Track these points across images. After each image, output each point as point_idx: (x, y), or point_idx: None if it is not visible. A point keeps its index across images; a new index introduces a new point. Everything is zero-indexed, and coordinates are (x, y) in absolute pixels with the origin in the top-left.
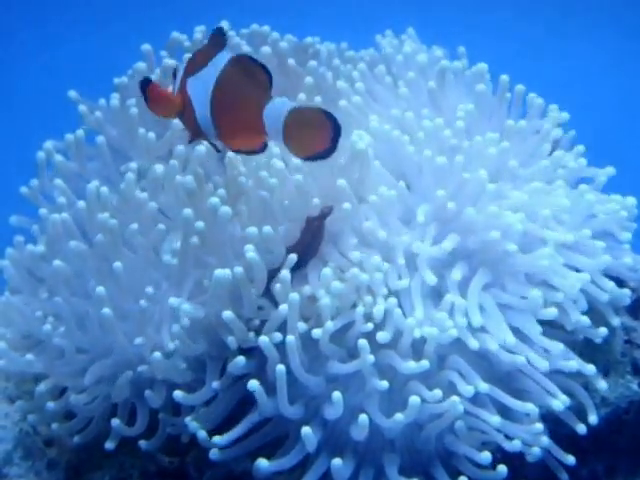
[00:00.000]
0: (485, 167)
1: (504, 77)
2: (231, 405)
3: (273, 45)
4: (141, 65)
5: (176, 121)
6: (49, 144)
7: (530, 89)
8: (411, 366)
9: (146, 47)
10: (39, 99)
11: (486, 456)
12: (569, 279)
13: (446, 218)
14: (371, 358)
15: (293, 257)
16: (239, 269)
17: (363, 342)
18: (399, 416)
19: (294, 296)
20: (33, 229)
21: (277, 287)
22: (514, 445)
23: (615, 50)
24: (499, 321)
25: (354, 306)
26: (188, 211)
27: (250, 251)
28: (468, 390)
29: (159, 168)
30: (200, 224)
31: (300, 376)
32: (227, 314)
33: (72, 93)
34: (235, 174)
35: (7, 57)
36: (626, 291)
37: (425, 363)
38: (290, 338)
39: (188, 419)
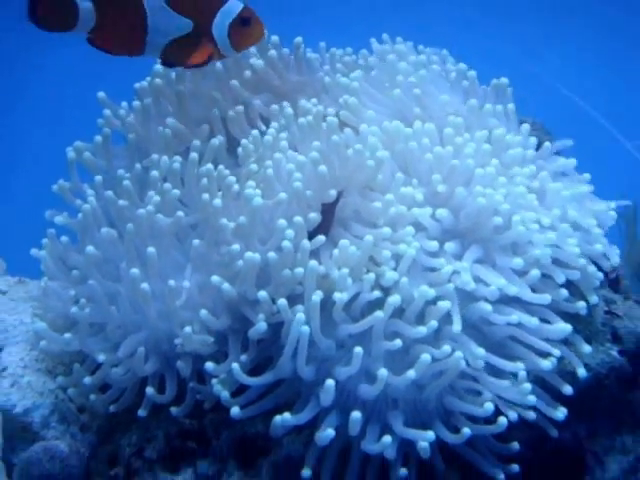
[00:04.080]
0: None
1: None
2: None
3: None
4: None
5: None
6: (78, 143)
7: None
8: (419, 330)
9: None
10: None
11: (488, 407)
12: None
13: (441, 199)
14: (380, 314)
15: (320, 238)
16: (272, 254)
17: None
18: (410, 372)
19: (313, 263)
20: (64, 222)
21: (297, 255)
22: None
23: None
24: (491, 280)
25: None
26: (218, 201)
27: (287, 240)
28: (474, 353)
29: (177, 161)
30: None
31: (316, 336)
32: (262, 294)
33: (101, 94)
34: (256, 168)
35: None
36: (601, 272)
37: (434, 323)
38: (315, 298)
39: (214, 381)
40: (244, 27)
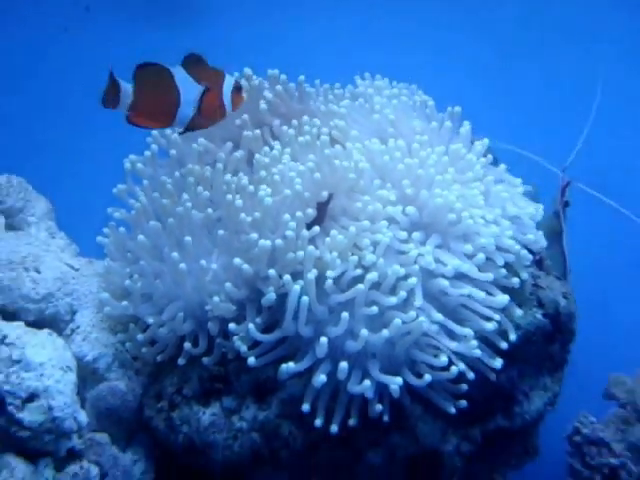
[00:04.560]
0: (434, 169)
1: (456, 108)
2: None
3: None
4: None
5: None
6: (132, 156)
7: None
8: (392, 300)
9: None
10: None
11: (444, 359)
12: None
13: (409, 199)
14: (362, 287)
15: (315, 228)
16: (279, 241)
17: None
18: (385, 332)
19: (311, 248)
20: (121, 217)
21: (298, 242)
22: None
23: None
24: (448, 261)
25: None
26: (238, 201)
27: (290, 230)
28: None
29: (207, 170)
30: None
31: (312, 304)
32: (272, 272)
33: None
34: (267, 175)
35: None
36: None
37: (403, 294)
38: (311, 275)
39: (235, 338)
40: (237, 93)
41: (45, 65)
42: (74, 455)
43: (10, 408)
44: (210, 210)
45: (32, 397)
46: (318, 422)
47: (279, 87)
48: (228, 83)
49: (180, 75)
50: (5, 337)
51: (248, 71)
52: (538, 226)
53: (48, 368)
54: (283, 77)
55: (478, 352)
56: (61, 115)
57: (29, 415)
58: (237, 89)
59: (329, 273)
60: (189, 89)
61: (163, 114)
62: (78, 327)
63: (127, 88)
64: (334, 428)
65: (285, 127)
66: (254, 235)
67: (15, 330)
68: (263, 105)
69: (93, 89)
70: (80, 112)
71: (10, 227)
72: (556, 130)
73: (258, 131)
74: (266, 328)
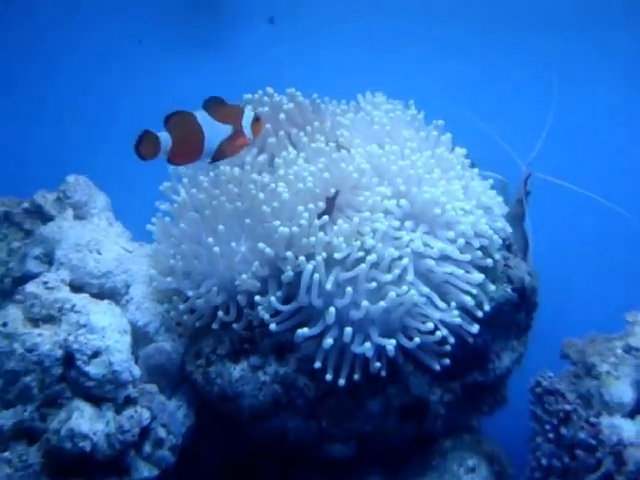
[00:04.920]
0: (422, 169)
1: (440, 122)
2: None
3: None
4: None
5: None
6: None
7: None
8: (388, 277)
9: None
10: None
11: (430, 325)
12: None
13: (402, 194)
14: (363, 266)
15: (325, 217)
16: (295, 228)
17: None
18: (382, 303)
19: (321, 234)
20: (166, 209)
21: (310, 230)
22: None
23: None
24: (434, 245)
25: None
26: (261, 195)
27: (304, 219)
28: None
29: (236, 170)
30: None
31: (322, 280)
32: (289, 254)
33: None
34: (285, 174)
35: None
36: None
37: (397, 272)
38: (320, 257)
39: (260, 308)
40: (257, 123)
41: (102, 84)
42: (130, 401)
43: (79, 363)
44: (239, 203)
45: (96, 354)
46: (328, 376)
47: (290, 105)
48: (247, 116)
49: (202, 116)
50: (74, 306)
51: (270, 90)
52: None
53: (109, 331)
54: (298, 93)
55: (458, 320)
56: (119, 128)
57: (94, 369)
58: (256, 120)
59: (336, 255)
60: (211, 127)
61: (194, 151)
62: (132, 298)
63: (165, 137)
64: (341, 381)
65: (302, 133)
66: (275, 223)
67: (82, 300)
68: (282, 116)
69: (139, 106)
70: (131, 127)
71: (77, 217)
72: (520, 128)
73: (275, 139)
74: (285, 300)
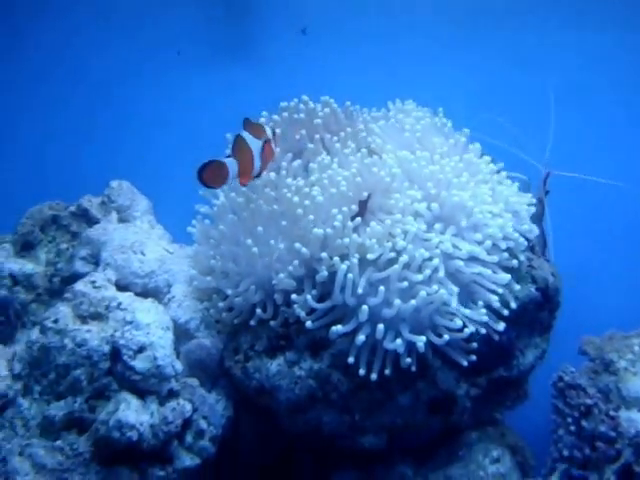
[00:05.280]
0: (452, 173)
1: (467, 130)
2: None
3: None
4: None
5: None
6: None
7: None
8: (418, 277)
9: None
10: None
11: (459, 323)
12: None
13: (432, 198)
14: (396, 267)
15: (358, 219)
16: (329, 230)
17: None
18: (413, 302)
19: (354, 236)
20: (206, 212)
21: (344, 231)
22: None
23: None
24: (462, 246)
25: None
26: (296, 198)
27: (338, 222)
28: (446, 292)
29: (272, 175)
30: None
31: (356, 279)
32: (324, 254)
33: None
34: (319, 178)
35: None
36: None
37: (427, 272)
38: (354, 258)
39: (296, 306)
40: (274, 137)
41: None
42: (172, 394)
43: (125, 357)
44: (275, 206)
45: (141, 349)
46: (361, 371)
47: (326, 111)
48: (269, 131)
49: (247, 137)
50: (120, 304)
51: (305, 97)
52: None
53: (153, 328)
54: (332, 100)
55: (485, 318)
56: (160, 135)
57: (139, 363)
58: (273, 134)
59: (369, 256)
60: (256, 146)
61: (250, 168)
62: (173, 297)
63: (231, 163)
64: (373, 376)
65: (335, 139)
66: (309, 225)
67: (127, 298)
68: (317, 121)
69: (178, 112)
70: (172, 134)
71: (121, 220)
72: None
73: (309, 145)
74: (320, 298)
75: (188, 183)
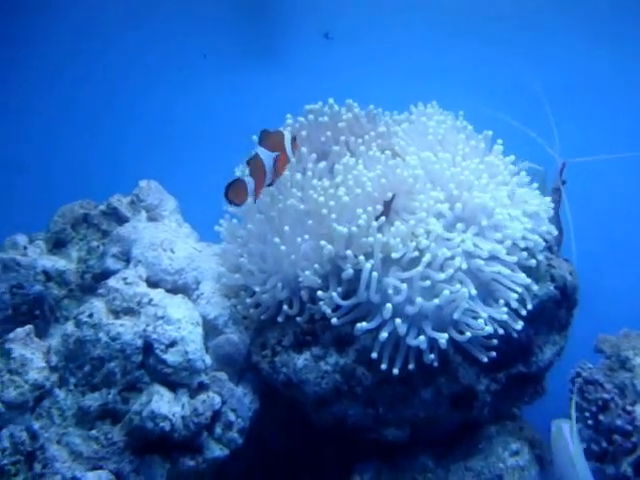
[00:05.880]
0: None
1: (489, 132)
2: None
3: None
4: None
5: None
6: (241, 166)
7: None
8: (441, 276)
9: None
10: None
11: (480, 321)
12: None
13: (454, 199)
14: (420, 269)
15: (382, 219)
16: (354, 229)
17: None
18: (435, 300)
19: (379, 235)
20: (234, 211)
21: (369, 230)
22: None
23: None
24: (483, 246)
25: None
26: (322, 199)
27: (362, 220)
28: (468, 290)
29: (299, 176)
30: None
31: (380, 277)
32: (349, 252)
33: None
34: (344, 179)
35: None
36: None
37: (450, 271)
38: (378, 256)
39: (321, 303)
40: (294, 141)
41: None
42: (202, 387)
43: (157, 351)
44: (301, 206)
45: (173, 344)
46: (383, 366)
47: (348, 115)
48: (287, 139)
49: (262, 152)
50: (151, 300)
51: (331, 100)
52: None
53: (183, 323)
54: (355, 104)
55: (505, 316)
56: (187, 137)
57: (171, 357)
58: (293, 139)
59: (393, 255)
60: (268, 159)
61: (262, 185)
62: (202, 294)
63: (250, 180)
64: (395, 371)
65: (360, 141)
66: (333, 224)
67: (158, 295)
68: (342, 124)
69: (204, 114)
70: (198, 135)
71: (150, 219)
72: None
73: (334, 147)
74: (345, 295)
75: (212, 182)
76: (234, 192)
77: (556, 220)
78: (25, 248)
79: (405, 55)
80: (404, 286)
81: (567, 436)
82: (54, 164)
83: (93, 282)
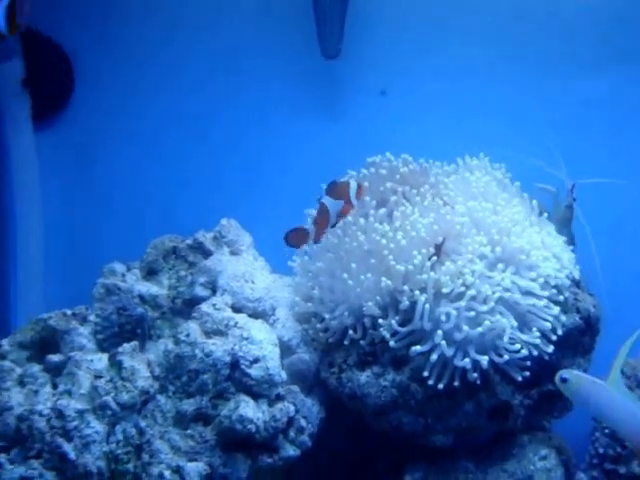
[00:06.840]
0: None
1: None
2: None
3: (406, 163)
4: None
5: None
6: (311, 210)
7: None
8: (483, 308)
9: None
10: None
11: (517, 346)
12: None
13: (495, 242)
14: (463, 303)
15: (434, 259)
16: (410, 267)
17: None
18: (479, 328)
19: (432, 273)
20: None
21: (423, 269)
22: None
23: None
24: (520, 283)
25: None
26: (383, 241)
27: (417, 260)
28: (508, 321)
29: (362, 220)
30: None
31: (432, 308)
32: (405, 287)
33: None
34: (402, 224)
35: None
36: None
37: (492, 304)
38: (431, 291)
39: (382, 328)
40: (359, 189)
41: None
42: (279, 398)
43: (242, 366)
44: (365, 246)
45: (256, 360)
46: (430, 382)
47: (404, 169)
48: (352, 188)
49: (328, 201)
50: (237, 323)
51: (389, 154)
52: (550, 217)
53: (265, 343)
54: (410, 159)
55: (539, 341)
56: (260, 181)
57: (254, 371)
58: (358, 187)
59: (443, 290)
60: (334, 207)
61: (324, 227)
62: (278, 319)
63: (311, 229)
64: (440, 386)
65: (414, 191)
66: (392, 263)
67: (242, 319)
68: (398, 177)
69: (275, 160)
70: (270, 180)
71: (231, 253)
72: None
73: (392, 196)
74: (402, 323)
75: (288, 221)
76: (294, 237)
77: (569, 234)
78: (123, 275)
79: (454, 111)
80: (454, 312)
81: (595, 380)
82: (146, 203)
83: (183, 306)
